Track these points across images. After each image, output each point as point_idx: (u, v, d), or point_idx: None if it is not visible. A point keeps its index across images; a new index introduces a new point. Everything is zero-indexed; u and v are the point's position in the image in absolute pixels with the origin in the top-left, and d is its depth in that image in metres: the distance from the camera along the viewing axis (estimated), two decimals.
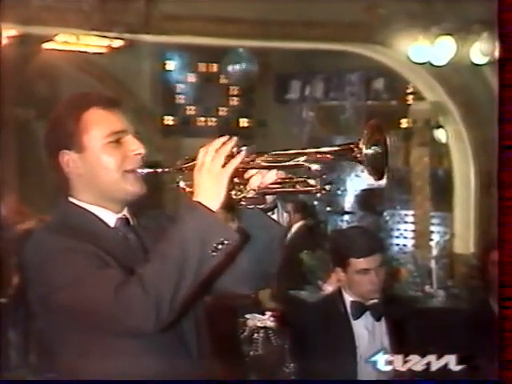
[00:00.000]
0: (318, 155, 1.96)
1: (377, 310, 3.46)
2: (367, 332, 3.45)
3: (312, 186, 1.98)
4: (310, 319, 3.57)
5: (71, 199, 2.15)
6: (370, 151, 1.88)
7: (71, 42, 8.28)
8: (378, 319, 3.46)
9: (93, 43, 8.39)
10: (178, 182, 2.08)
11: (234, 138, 2.01)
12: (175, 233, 1.93)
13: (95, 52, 8.56)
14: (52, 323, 2.06)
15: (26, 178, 7.99)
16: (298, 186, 2.02)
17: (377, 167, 1.91)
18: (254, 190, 2.04)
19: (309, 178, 1.98)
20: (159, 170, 2.11)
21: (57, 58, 8.62)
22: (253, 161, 2.00)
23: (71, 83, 8.46)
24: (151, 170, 2.11)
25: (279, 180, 2.04)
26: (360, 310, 3.47)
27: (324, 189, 1.96)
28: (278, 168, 2.03)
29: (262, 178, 2.04)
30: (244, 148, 2.00)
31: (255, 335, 5.05)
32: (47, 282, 1.98)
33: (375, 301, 3.48)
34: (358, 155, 1.88)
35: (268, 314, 5.08)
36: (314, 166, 1.95)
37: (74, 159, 2.11)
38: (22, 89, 8.52)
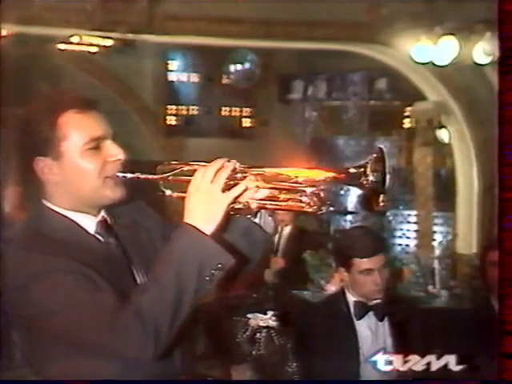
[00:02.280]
0: (316, 178, 1.95)
1: (380, 310, 3.45)
2: (370, 332, 3.44)
3: (306, 203, 1.96)
4: (313, 319, 3.57)
5: (47, 204, 2.08)
6: (374, 179, 1.89)
7: (74, 41, 8.28)
8: (381, 319, 3.45)
9: (95, 43, 8.38)
10: (163, 191, 2.03)
11: (234, 161, 1.95)
12: (171, 258, 1.88)
13: (98, 52, 8.55)
14: (37, 344, 2.00)
15: (27, 176, 7.99)
16: (290, 203, 1.99)
17: (378, 194, 1.92)
18: (243, 203, 2.00)
19: (302, 195, 1.96)
20: (142, 176, 2.05)
21: (59, 58, 8.63)
22: (245, 173, 1.96)
23: (73, 83, 8.48)
24: (133, 176, 2.05)
25: (271, 195, 2.01)
26: (363, 310, 3.46)
27: (320, 210, 1.95)
28: (273, 189, 2.00)
29: (254, 193, 2.00)
30: (236, 163, 1.95)
31: (257, 335, 5.05)
32: (33, 306, 1.91)
33: (378, 301, 3.47)
34: (364, 182, 1.90)
35: (270, 313, 5.09)
36: (310, 189, 1.94)
37: (51, 166, 2.02)
38: (23, 89, 8.52)
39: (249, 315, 5.09)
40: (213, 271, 1.86)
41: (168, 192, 2.03)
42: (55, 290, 1.89)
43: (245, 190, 1.95)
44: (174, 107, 10.63)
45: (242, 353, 5.06)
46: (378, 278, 3.42)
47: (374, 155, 1.92)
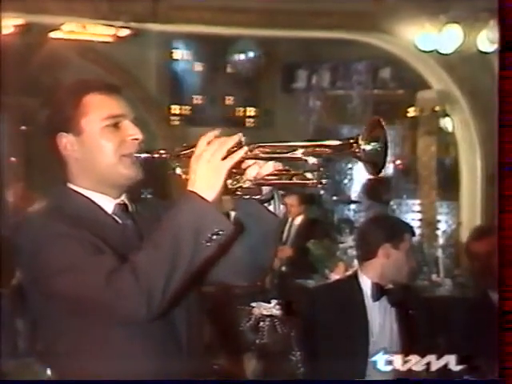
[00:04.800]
0: (317, 149, 1.94)
1: (393, 296, 3.48)
2: (380, 317, 3.46)
3: (309, 179, 1.97)
4: (320, 305, 3.58)
5: (69, 185, 2.15)
6: (368, 147, 1.86)
7: (78, 31, 8.29)
8: (394, 305, 3.47)
9: (100, 32, 8.39)
10: (174, 169, 2.06)
11: (239, 134, 1.97)
12: (169, 222, 1.92)
13: (102, 41, 8.56)
14: (45, 309, 2.06)
15: (32, 165, 8.03)
16: (294, 179, 2.01)
17: (375, 163, 1.88)
18: (250, 180, 2.02)
19: (306, 171, 1.97)
20: (156, 156, 2.09)
21: (63, 47, 8.64)
22: (251, 151, 1.97)
23: (78, 72, 8.46)
24: (148, 155, 2.09)
25: (276, 172, 2.03)
26: (379, 292, 3.48)
27: (320, 183, 1.95)
28: (276, 160, 2.01)
29: (259, 169, 2.02)
30: (243, 138, 1.97)
31: (261, 323, 5.06)
32: (41, 268, 1.98)
33: (391, 286, 3.50)
34: (357, 151, 1.86)
35: (274, 302, 5.10)
36: (312, 160, 1.93)
37: (72, 142, 2.10)
38: (28, 78, 8.54)
39: (252, 304, 5.10)
40: (210, 236, 1.88)
41: (178, 171, 2.05)
42: (61, 251, 1.95)
43: (244, 159, 1.97)
44: (178, 96, 10.64)
45: (246, 342, 5.07)
46: (413, 259, 3.50)
47: (369, 124, 1.88)
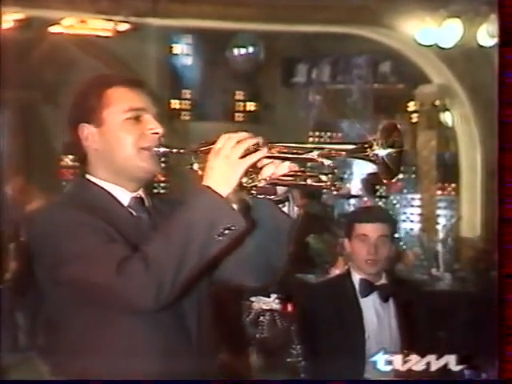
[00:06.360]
0: (333, 151, 1.95)
1: (384, 291, 3.46)
2: (376, 313, 3.46)
3: (323, 181, 1.97)
4: (318, 299, 3.58)
5: (88, 176, 2.18)
6: (383, 152, 1.86)
7: (78, 25, 8.28)
8: (386, 300, 3.46)
9: (99, 27, 8.38)
10: (191, 164, 2.09)
11: (259, 137, 2.00)
12: (182, 214, 1.94)
13: (102, 35, 8.55)
14: (57, 296, 2.08)
15: (32, 160, 8.03)
16: (309, 180, 2.01)
17: (390, 168, 1.89)
18: (265, 179, 2.04)
19: (321, 173, 1.98)
20: (174, 150, 2.13)
21: (63, 42, 8.63)
22: (268, 150, 1.99)
23: (77, 67, 8.47)
24: (167, 150, 2.13)
25: (291, 172, 2.04)
26: (368, 288, 3.47)
27: (334, 185, 1.96)
28: (291, 160, 2.03)
29: (274, 169, 2.04)
30: (261, 139, 1.99)
31: (261, 318, 5.06)
32: (54, 254, 2.00)
33: (383, 282, 3.48)
34: (371, 155, 1.87)
35: (273, 296, 5.10)
36: (327, 162, 1.95)
37: (93, 133, 2.14)
38: (28, 72, 8.53)
39: (252, 298, 5.10)
40: (222, 230, 1.90)
41: (195, 167, 2.08)
42: (74, 239, 1.98)
43: (261, 158, 1.99)
44: (177, 91, 10.63)
45: (246, 336, 5.08)
46: (371, 246, 3.43)
47: (385, 128, 1.88)
